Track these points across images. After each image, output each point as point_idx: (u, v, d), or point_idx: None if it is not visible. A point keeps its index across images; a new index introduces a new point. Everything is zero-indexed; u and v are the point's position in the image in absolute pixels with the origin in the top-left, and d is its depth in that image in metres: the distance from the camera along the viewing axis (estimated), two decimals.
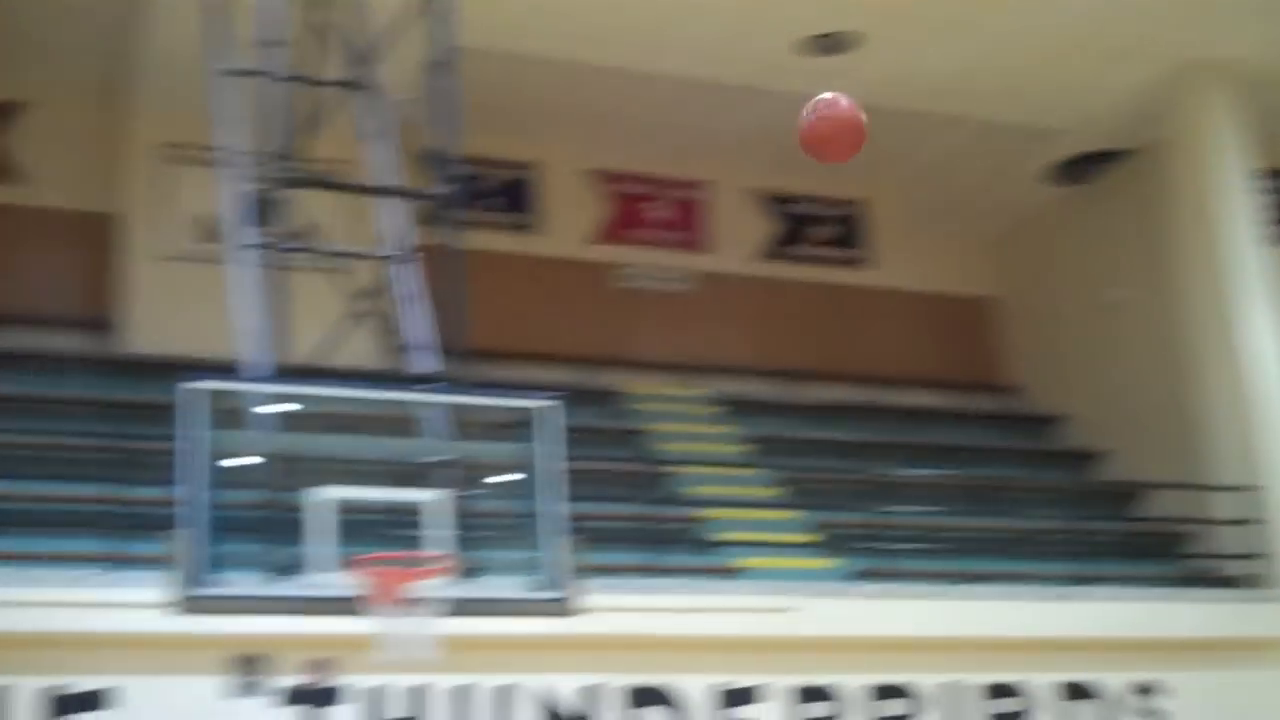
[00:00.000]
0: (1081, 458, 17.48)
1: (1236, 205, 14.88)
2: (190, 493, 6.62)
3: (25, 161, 15.21)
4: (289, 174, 8.28)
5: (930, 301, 18.89)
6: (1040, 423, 18.36)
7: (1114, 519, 16.00)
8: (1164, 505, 15.82)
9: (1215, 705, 12.74)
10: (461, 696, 10.11)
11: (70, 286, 15.01)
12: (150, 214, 14.92)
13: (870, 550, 13.15)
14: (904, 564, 13.33)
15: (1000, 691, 11.77)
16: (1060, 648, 12.12)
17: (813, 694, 11.13)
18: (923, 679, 11.51)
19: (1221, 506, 14.50)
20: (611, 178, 17.90)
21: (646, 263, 17.79)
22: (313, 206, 8.87)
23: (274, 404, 7.39)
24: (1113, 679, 12.54)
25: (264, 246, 8.06)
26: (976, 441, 17.54)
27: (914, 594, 11.74)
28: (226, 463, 7.09)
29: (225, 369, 7.75)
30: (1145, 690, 12.75)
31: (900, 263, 18.86)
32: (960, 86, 15.41)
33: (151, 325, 14.45)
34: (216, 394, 6.80)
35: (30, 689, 9.26)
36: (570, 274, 17.17)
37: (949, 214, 18.66)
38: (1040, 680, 11.97)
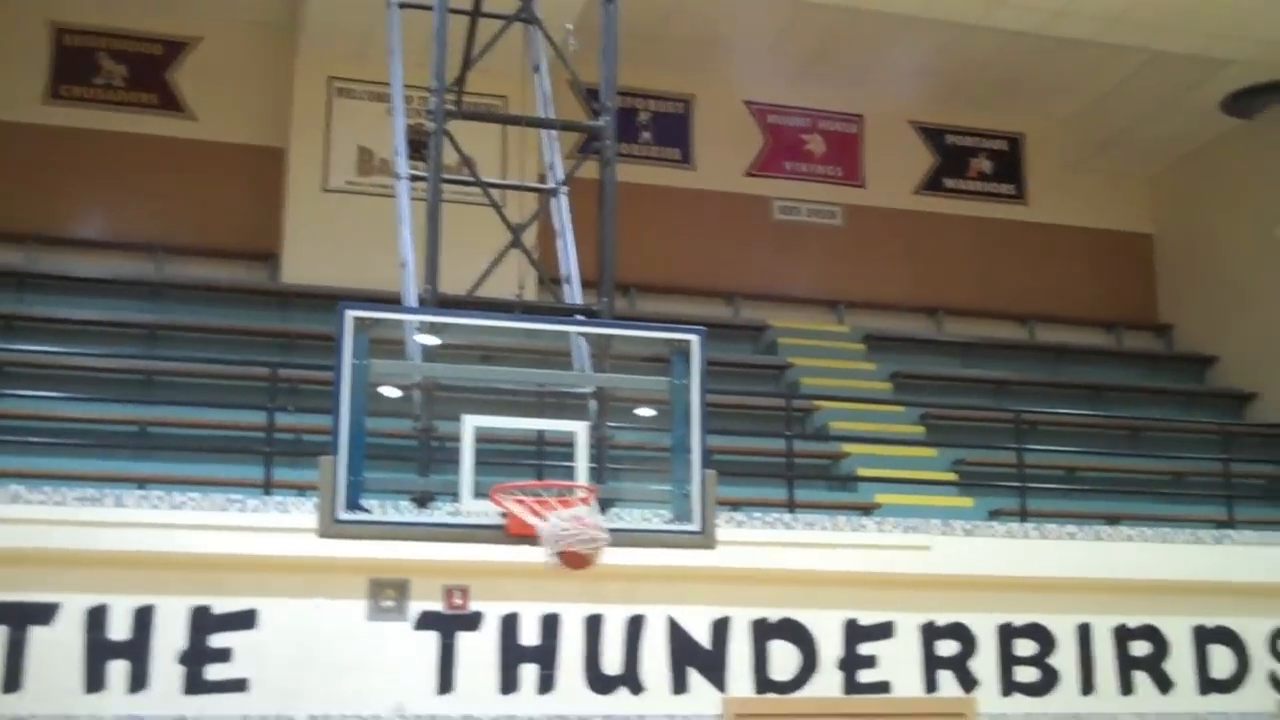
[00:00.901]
0: (1233, 399, 17.27)
1: None
2: (339, 420, 6.79)
3: (194, 96, 15.79)
4: (451, 107, 8.44)
5: (1086, 237, 18.71)
6: (1192, 362, 18.16)
7: (1264, 462, 15.76)
8: None
9: None
10: (593, 626, 10.33)
11: (236, 219, 15.49)
12: (312, 148, 15.36)
13: (1008, 489, 13.17)
14: (1043, 504, 13.31)
15: (1133, 634, 11.72)
16: (1197, 592, 11.95)
17: (943, 631, 11.20)
18: (1055, 620, 11.49)
19: None
20: (767, 110, 17.96)
21: (800, 197, 17.87)
22: (470, 140, 9.06)
23: (427, 334, 7.57)
24: (1253, 625, 12.17)
25: (425, 179, 8.24)
26: (1125, 381, 17.43)
27: (1050, 534, 11.70)
28: (378, 391, 7.26)
29: (380, 301, 7.98)
30: None
31: (1057, 197, 18.71)
32: (1129, 15, 15.13)
33: (311, 257, 14.93)
34: (370, 323, 6.96)
35: (177, 608, 9.54)
36: (723, 207, 17.30)
37: (1109, 148, 18.43)
38: (1175, 624, 11.87)
